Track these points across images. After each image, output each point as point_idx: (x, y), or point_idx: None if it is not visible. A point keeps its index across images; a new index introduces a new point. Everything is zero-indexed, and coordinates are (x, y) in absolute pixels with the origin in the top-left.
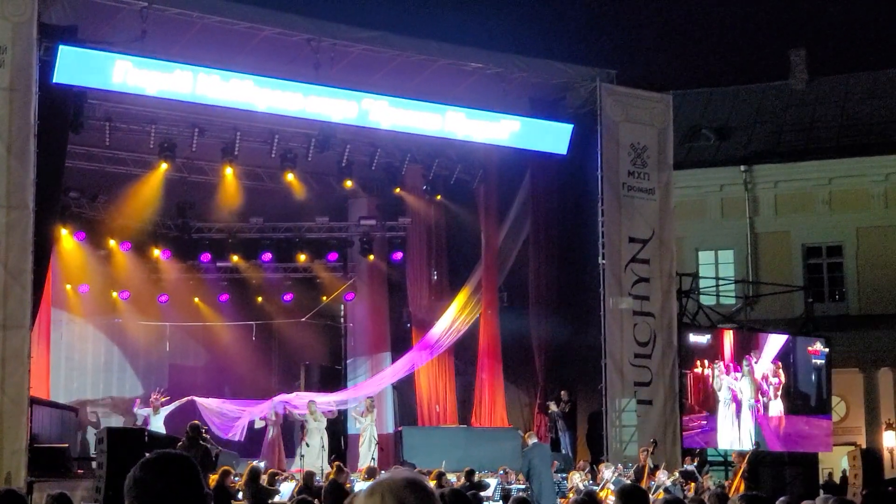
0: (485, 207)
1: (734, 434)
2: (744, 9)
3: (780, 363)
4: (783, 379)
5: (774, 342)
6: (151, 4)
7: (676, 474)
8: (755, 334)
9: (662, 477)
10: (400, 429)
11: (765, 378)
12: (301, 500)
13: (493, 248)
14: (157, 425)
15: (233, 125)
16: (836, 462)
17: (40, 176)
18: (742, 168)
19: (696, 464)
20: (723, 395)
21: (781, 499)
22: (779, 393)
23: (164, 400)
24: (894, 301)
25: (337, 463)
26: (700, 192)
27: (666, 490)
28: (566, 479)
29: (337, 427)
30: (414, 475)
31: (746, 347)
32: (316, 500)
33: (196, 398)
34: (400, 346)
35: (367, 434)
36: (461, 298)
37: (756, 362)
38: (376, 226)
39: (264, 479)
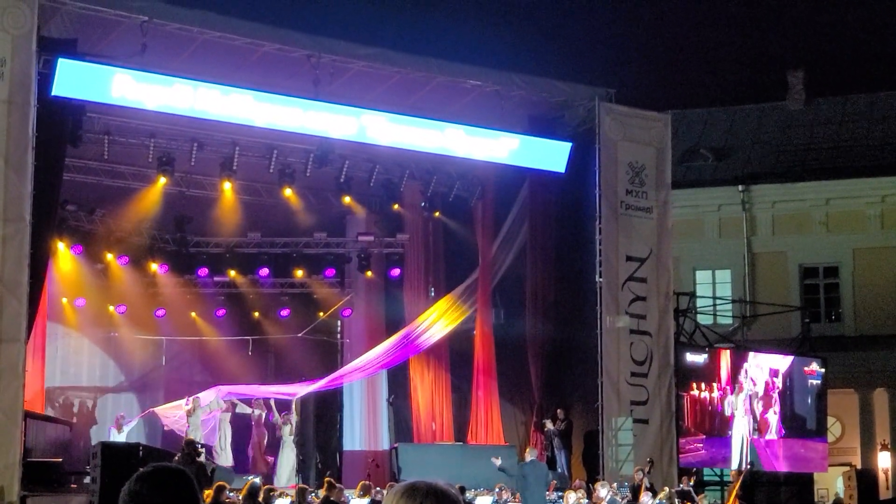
0: (482, 224)
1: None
2: (742, 30)
3: (773, 383)
4: (776, 399)
5: (770, 362)
6: (152, 19)
7: (666, 490)
8: (749, 353)
9: (646, 500)
10: (395, 446)
11: (758, 396)
12: None
13: (489, 265)
14: None
15: (232, 140)
16: (832, 483)
17: (38, 189)
18: (740, 188)
19: (692, 483)
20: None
21: None
22: (767, 413)
23: (128, 420)
24: (890, 322)
25: (328, 479)
26: (698, 211)
27: None
28: (562, 497)
29: (332, 443)
30: (447, 483)
31: (741, 367)
32: None
33: (156, 409)
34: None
35: (284, 449)
36: (441, 305)
37: (750, 382)
38: (374, 242)
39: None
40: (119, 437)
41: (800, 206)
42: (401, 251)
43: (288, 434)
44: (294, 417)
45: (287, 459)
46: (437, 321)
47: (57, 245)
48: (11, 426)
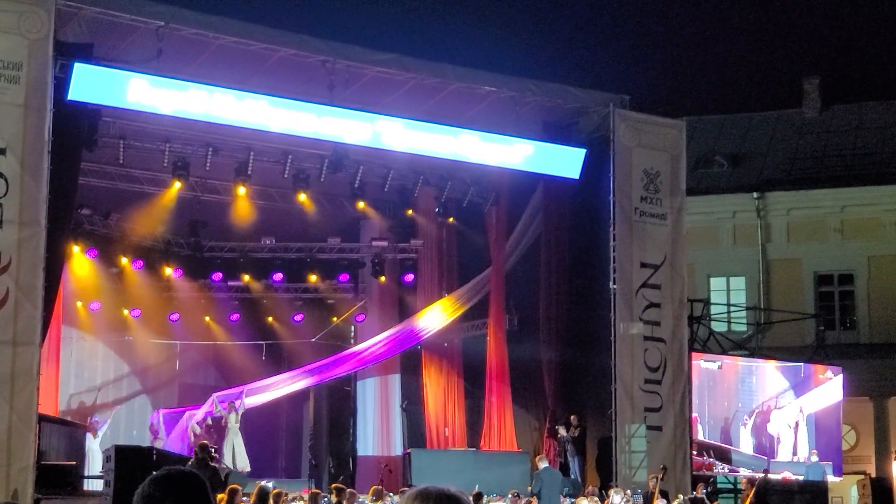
0: (496, 230)
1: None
2: (758, 37)
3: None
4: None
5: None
6: (168, 24)
7: (680, 497)
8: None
9: None
10: (408, 451)
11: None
12: None
13: (502, 271)
14: (95, 448)
15: (246, 145)
16: (846, 490)
17: (53, 193)
18: (755, 195)
19: (706, 491)
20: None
21: None
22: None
23: (101, 424)
24: None
25: (335, 485)
26: (712, 218)
27: None
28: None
29: (345, 448)
30: (458, 490)
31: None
32: None
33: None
34: (410, 368)
35: (229, 441)
36: (444, 304)
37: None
38: (388, 247)
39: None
40: (95, 443)
41: (815, 213)
42: (414, 256)
43: (234, 422)
44: (241, 407)
45: (233, 445)
46: (440, 315)
47: (72, 249)
48: (26, 429)
